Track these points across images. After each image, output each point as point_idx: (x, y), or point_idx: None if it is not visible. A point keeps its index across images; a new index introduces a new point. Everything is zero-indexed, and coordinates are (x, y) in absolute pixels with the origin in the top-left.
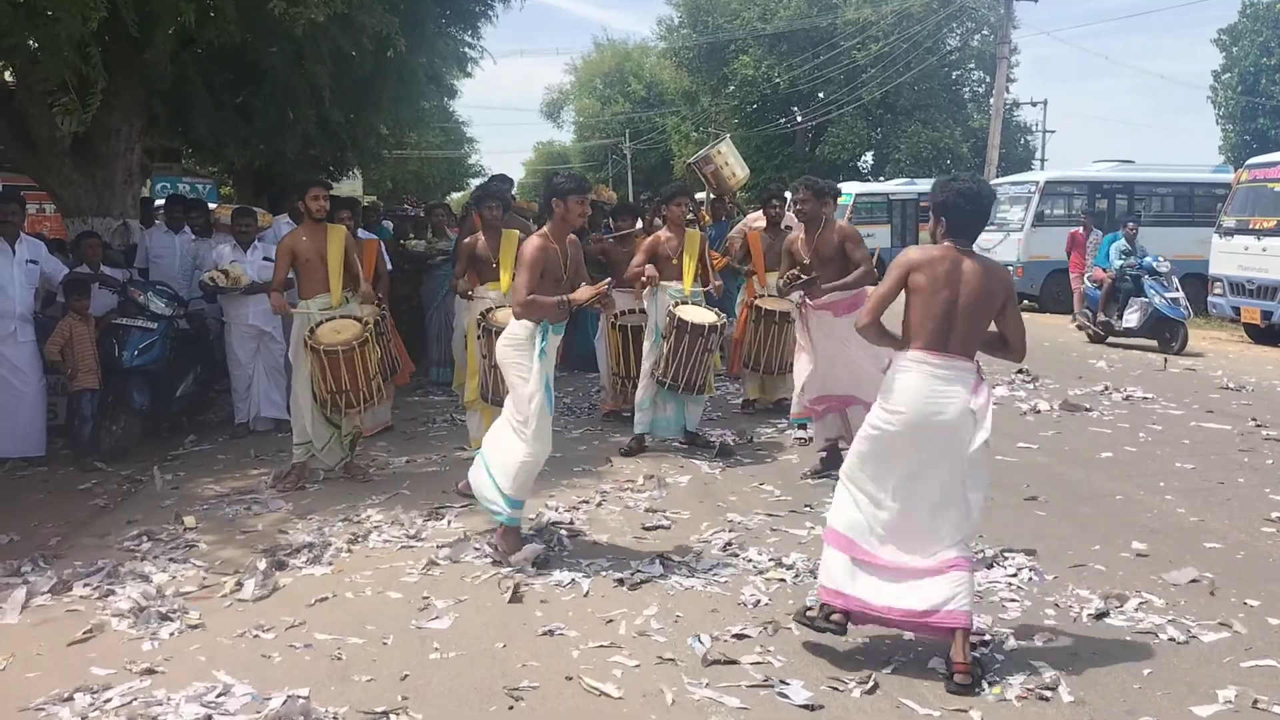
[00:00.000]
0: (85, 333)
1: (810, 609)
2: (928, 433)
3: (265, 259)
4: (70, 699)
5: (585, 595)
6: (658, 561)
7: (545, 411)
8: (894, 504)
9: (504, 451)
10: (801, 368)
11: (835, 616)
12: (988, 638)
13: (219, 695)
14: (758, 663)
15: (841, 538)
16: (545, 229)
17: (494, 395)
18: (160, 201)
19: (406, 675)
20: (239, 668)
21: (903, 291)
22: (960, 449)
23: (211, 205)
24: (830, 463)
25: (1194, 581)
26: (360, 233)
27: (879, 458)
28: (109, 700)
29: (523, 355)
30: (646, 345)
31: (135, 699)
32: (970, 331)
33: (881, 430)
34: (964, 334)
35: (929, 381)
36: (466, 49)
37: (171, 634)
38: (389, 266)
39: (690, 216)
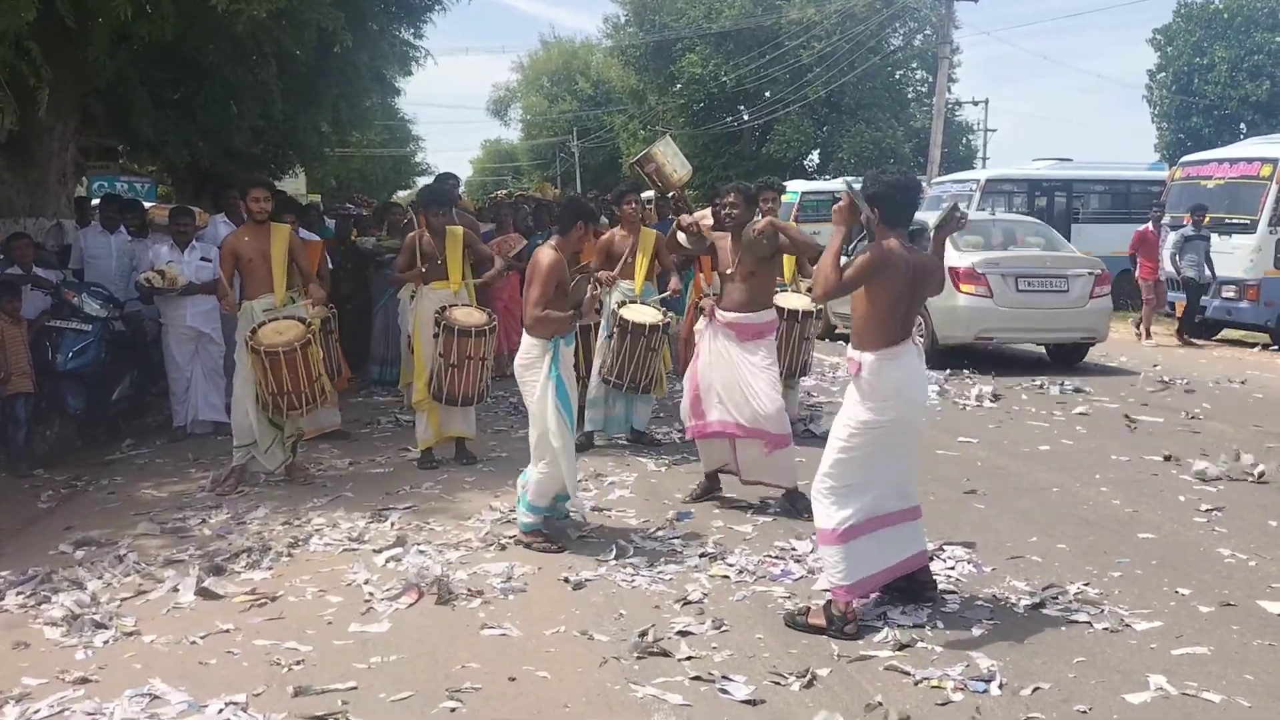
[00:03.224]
0: (18, 335)
1: (804, 612)
2: (912, 414)
3: (203, 259)
4: None
5: (528, 594)
6: (601, 560)
7: (563, 423)
8: (884, 476)
9: (535, 469)
10: (689, 387)
11: (849, 628)
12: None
13: (154, 703)
14: (700, 657)
15: (853, 530)
16: (556, 242)
17: (447, 395)
18: (96, 201)
19: (346, 679)
20: (175, 675)
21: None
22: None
23: (148, 204)
24: (709, 488)
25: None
26: (302, 233)
27: (872, 449)
28: (38, 710)
29: (536, 372)
30: (598, 343)
31: (67, 709)
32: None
33: (870, 427)
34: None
35: (911, 370)
36: (409, 47)
37: (106, 642)
38: (329, 266)
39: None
